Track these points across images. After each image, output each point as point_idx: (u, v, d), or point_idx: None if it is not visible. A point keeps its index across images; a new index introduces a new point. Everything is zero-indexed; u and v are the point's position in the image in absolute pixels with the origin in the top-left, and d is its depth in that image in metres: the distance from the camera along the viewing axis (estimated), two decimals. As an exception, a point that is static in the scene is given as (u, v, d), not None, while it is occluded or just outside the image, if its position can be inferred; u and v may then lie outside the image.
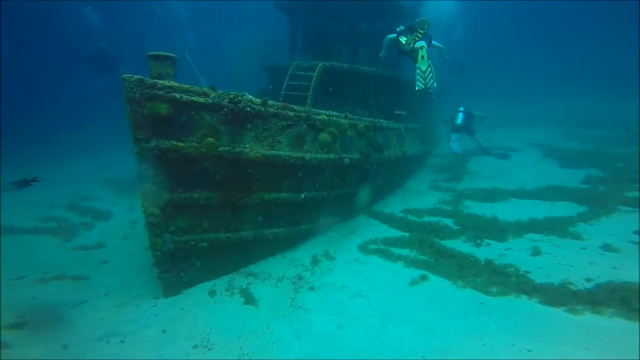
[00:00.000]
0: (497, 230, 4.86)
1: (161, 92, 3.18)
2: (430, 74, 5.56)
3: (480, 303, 3.32)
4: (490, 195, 6.26)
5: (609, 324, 2.86)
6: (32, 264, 4.91)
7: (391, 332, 3.02)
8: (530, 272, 3.74)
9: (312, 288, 3.82)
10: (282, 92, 6.13)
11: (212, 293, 3.81)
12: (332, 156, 4.55)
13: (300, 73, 6.19)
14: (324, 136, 4.47)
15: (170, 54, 3.35)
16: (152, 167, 3.28)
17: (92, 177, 10.42)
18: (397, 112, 6.52)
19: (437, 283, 3.75)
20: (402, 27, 5.95)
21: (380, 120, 5.67)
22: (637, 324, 2.81)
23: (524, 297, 3.36)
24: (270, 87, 7.54)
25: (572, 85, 19.17)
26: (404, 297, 3.55)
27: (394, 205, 6.21)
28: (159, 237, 3.50)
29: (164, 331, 3.20)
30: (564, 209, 5.48)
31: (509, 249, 4.37)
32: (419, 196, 6.61)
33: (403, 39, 5.77)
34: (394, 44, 6.09)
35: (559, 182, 6.67)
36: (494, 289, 3.50)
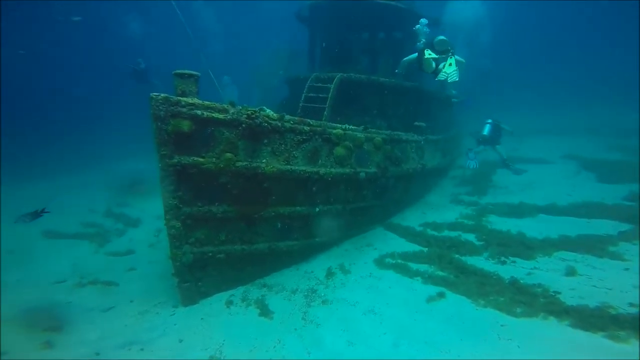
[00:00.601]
0: (524, 247, 4.60)
1: (184, 110, 3.38)
2: (455, 73, 5.49)
3: (502, 325, 3.15)
4: (517, 211, 5.94)
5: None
6: (72, 269, 5.32)
7: (403, 352, 2.95)
8: (560, 293, 3.49)
9: (324, 302, 3.82)
10: (300, 104, 6.26)
11: (228, 304, 3.91)
12: (347, 170, 4.58)
13: (318, 85, 6.30)
14: (339, 150, 4.51)
15: (194, 72, 3.56)
16: (174, 182, 3.47)
17: (124, 183, 11.04)
18: (416, 123, 6.44)
19: (455, 301, 3.62)
20: (422, 42, 5.96)
21: (399, 132, 5.63)
22: None
23: (552, 319, 3.13)
24: (290, 98, 7.73)
25: (598, 92, 18.04)
26: (419, 315, 3.46)
27: (413, 218, 6.09)
28: (179, 249, 3.67)
29: (180, 340, 3.32)
30: (603, 227, 5.09)
31: (536, 267, 4.12)
32: (439, 210, 6.43)
33: (427, 60, 5.71)
34: (414, 62, 6.12)
35: (597, 198, 6.20)
36: (519, 309, 3.31)
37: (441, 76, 5.68)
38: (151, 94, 3.27)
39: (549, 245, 4.60)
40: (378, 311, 3.58)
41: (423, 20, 6.87)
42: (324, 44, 8.32)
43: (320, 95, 6.10)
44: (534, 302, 3.38)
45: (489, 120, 8.25)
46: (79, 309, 4.06)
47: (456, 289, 3.80)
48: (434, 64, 5.89)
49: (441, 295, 3.72)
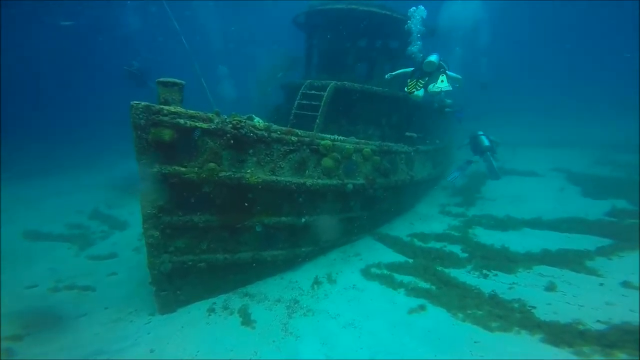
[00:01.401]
0: (506, 260, 4.65)
1: (166, 118, 3.35)
2: (446, 85, 5.70)
3: (475, 342, 3.16)
4: (503, 224, 6.00)
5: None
6: (49, 272, 5.21)
7: (378, 369, 2.93)
8: (535, 308, 3.53)
9: (305, 314, 3.79)
10: (293, 111, 6.25)
11: (208, 312, 3.87)
12: (334, 182, 4.57)
13: (312, 92, 6.29)
14: (326, 161, 4.50)
15: (178, 81, 3.53)
16: (155, 190, 3.43)
17: (120, 184, 10.89)
18: (407, 134, 6.46)
19: (434, 315, 3.62)
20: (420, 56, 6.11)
21: (388, 143, 5.64)
22: None
23: (524, 333, 3.17)
24: (286, 104, 7.70)
25: (595, 104, 18.30)
26: (398, 329, 3.44)
27: (401, 228, 6.09)
28: (157, 257, 3.62)
29: (152, 351, 3.26)
30: (582, 242, 5.16)
31: (515, 282, 4.15)
32: (427, 221, 6.44)
33: (414, 96, 5.87)
34: (408, 76, 6.24)
35: (581, 213, 6.27)
36: (495, 324, 3.33)
37: (435, 89, 5.81)
38: (131, 102, 3.22)
39: (530, 260, 4.64)
40: (358, 325, 3.56)
41: (413, 48, 6.95)
42: (319, 51, 8.34)
43: (313, 102, 6.10)
44: (509, 317, 3.42)
45: (480, 132, 8.30)
46: (49, 316, 3.96)
47: (437, 301, 3.81)
48: (422, 94, 6.03)
49: (422, 307, 3.72)
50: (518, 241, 5.26)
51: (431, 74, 5.97)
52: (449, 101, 7.69)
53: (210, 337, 3.46)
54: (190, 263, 3.84)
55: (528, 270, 4.41)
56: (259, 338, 3.43)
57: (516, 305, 3.61)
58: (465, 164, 7.95)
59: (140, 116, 3.22)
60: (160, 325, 3.70)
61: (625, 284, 3.82)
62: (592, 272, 4.22)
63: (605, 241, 5.09)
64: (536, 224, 5.98)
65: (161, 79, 3.43)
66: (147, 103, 3.28)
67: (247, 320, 3.68)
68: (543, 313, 3.44)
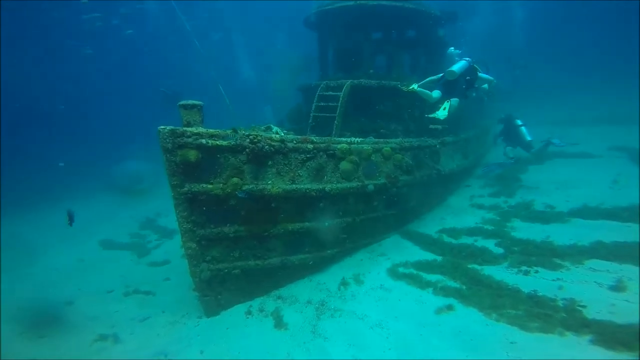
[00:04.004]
0: (550, 255, 4.33)
1: (190, 140, 3.68)
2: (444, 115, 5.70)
3: (511, 342, 3.05)
4: (545, 215, 5.53)
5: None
6: (119, 279, 6.01)
7: (404, 371, 2.99)
8: (585, 307, 3.29)
9: (333, 315, 3.95)
10: (311, 114, 6.35)
11: (246, 315, 4.20)
12: (354, 184, 4.63)
13: (328, 93, 6.33)
14: (344, 165, 4.58)
15: (197, 102, 3.84)
16: (187, 208, 3.81)
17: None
18: (431, 126, 6.26)
19: (465, 315, 3.55)
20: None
21: (410, 139, 5.53)
22: None
23: (569, 334, 2.98)
24: (305, 106, 7.84)
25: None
26: (426, 329, 3.46)
27: (431, 224, 5.95)
28: (197, 267, 4.01)
29: (201, 352, 3.66)
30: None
31: (559, 279, 3.87)
32: (459, 214, 6.19)
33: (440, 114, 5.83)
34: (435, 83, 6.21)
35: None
36: (534, 324, 3.18)
37: (431, 114, 5.86)
38: (158, 127, 3.59)
39: (579, 253, 4.27)
40: (385, 325, 3.63)
41: (453, 50, 6.91)
42: (333, 49, 8.32)
43: (331, 104, 6.15)
44: (552, 317, 3.22)
45: (519, 122, 7.77)
46: (123, 319, 4.62)
47: (468, 301, 3.72)
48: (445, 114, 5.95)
49: (451, 307, 3.67)
50: (564, 233, 4.85)
51: (456, 82, 5.93)
52: (485, 86, 7.32)
53: (249, 339, 3.77)
54: (226, 270, 4.19)
55: (577, 266, 4.08)
56: (291, 340, 3.66)
57: (561, 304, 3.39)
58: (511, 162, 7.54)
59: (167, 140, 3.59)
60: (207, 328, 4.12)
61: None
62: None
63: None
64: (590, 213, 5.37)
65: (182, 102, 3.77)
66: (172, 127, 3.63)
67: (280, 322, 3.93)
68: (595, 312, 3.20)
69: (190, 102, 3.79)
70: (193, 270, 4.03)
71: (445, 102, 5.77)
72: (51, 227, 9.55)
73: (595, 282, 3.69)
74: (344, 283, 4.52)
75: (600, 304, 3.30)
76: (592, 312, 3.21)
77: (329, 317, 3.93)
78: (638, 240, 4.31)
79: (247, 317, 4.17)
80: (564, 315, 3.24)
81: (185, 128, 3.71)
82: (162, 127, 3.62)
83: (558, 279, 3.88)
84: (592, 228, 4.93)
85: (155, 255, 7.19)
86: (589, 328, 2.99)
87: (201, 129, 3.78)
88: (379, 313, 3.85)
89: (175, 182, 3.69)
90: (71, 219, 5.81)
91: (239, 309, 4.36)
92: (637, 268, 3.82)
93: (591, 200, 5.76)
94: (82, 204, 11.71)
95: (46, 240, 8.69)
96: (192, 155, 3.67)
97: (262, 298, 4.51)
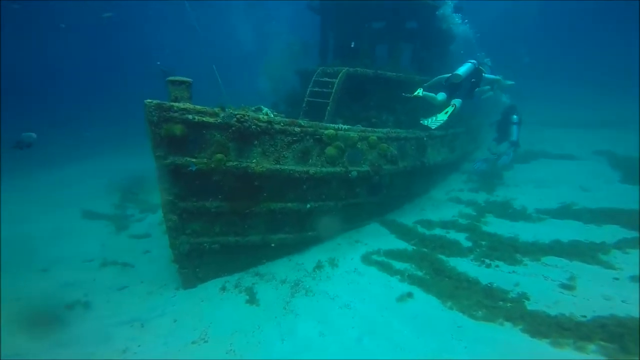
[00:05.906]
0: (512, 250, 4.59)
1: (176, 114, 3.69)
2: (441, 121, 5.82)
3: (459, 326, 3.30)
4: (518, 212, 5.82)
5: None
6: (99, 248, 6.03)
7: (364, 346, 3.20)
8: (528, 299, 3.57)
9: (306, 294, 4.12)
10: (305, 99, 6.37)
11: (222, 290, 4.33)
12: (337, 169, 4.73)
13: (324, 79, 6.34)
14: (330, 150, 4.66)
15: (186, 79, 3.83)
16: (170, 180, 3.85)
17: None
18: (422, 121, 6.35)
19: (425, 301, 3.78)
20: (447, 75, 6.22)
21: (397, 130, 5.62)
22: None
23: (507, 324, 3.26)
24: (301, 90, 7.81)
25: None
26: (388, 312, 3.66)
27: (410, 214, 6.15)
28: (177, 239, 4.10)
29: (175, 321, 3.79)
30: (604, 233, 4.90)
31: (514, 272, 4.14)
32: (439, 207, 6.41)
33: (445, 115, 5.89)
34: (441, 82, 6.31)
35: (613, 201, 5.84)
36: (479, 313, 3.44)
37: (425, 120, 5.95)
38: (144, 100, 3.58)
39: (538, 250, 4.55)
40: (353, 306, 3.82)
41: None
42: (334, 34, 8.25)
43: (325, 90, 6.17)
44: (497, 307, 3.48)
45: (515, 118, 7.91)
46: (100, 287, 4.66)
47: (429, 289, 3.94)
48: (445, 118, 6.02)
49: (412, 295, 3.88)
50: (531, 231, 5.13)
51: (460, 84, 6.05)
52: (487, 88, 7.41)
53: (222, 311, 3.91)
54: (206, 244, 4.29)
55: (534, 261, 4.35)
56: (263, 314, 3.82)
57: (511, 295, 3.65)
58: (494, 157, 7.74)
59: (153, 113, 3.59)
60: (183, 299, 4.23)
61: (634, 279, 3.67)
62: (604, 265, 4.08)
63: (631, 234, 4.80)
64: (561, 213, 5.69)
65: (170, 78, 3.76)
66: (158, 101, 3.63)
67: (254, 298, 4.08)
68: (534, 304, 3.47)
69: (179, 78, 3.78)
70: (173, 242, 4.11)
71: (449, 107, 5.87)
72: (33, 194, 9.39)
73: (544, 276, 3.98)
74: (320, 265, 4.68)
75: (545, 298, 3.57)
76: (534, 304, 3.48)
77: (302, 296, 4.10)
78: (592, 240, 4.64)
79: (223, 292, 4.31)
80: (510, 305, 3.50)
81: (172, 103, 3.71)
82: (149, 100, 3.61)
83: (513, 272, 4.14)
84: (557, 227, 5.25)
85: (138, 228, 7.20)
86: (523, 319, 3.26)
87: (189, 105, 3.78)
88: (349, 295, 4.04)
89: (159, 154, 3.71)
90: (23, 144, 5.38)
91: (216, 282, 4.49)
92: (586, 265, 4.14)
93: (563, 201, 6.07)
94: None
95: (27, 208, 8.56)
96: (178, 129, 3.69)
97: (240, 274, 4.64)
